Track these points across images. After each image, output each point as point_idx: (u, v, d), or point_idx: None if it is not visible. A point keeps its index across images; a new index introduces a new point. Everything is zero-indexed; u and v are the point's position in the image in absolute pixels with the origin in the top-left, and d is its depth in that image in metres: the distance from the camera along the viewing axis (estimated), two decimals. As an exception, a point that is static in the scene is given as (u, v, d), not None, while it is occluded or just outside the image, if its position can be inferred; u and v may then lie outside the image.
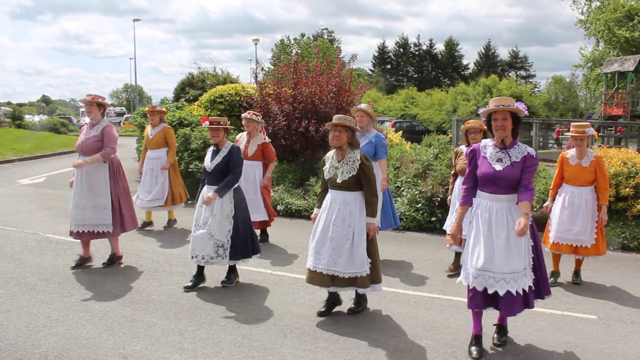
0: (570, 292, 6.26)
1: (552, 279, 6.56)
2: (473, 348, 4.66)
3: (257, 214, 7.87)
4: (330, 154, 5.41)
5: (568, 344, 4.86)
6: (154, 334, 4.94)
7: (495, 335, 4.84)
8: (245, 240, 6.15)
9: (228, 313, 5.47)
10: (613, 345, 4.87)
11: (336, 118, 5.22)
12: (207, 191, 6.12)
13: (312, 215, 5.65)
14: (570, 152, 6.45)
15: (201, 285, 6.26)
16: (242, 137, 8.17)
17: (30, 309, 5.46)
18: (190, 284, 6.20)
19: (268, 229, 8.52)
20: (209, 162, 6.13)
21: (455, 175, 7.01)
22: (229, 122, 6.65)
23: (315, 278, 5.28)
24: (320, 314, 5.45)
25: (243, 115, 8.14)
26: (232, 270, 6.37)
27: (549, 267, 6.75)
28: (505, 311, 4.55)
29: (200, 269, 6.28)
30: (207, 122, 6.14)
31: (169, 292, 6.06)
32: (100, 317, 5.30)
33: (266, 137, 8.24)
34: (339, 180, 5.19)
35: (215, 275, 6.54)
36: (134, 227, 7.15)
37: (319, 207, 5.49)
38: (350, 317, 5.39)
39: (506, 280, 4.44)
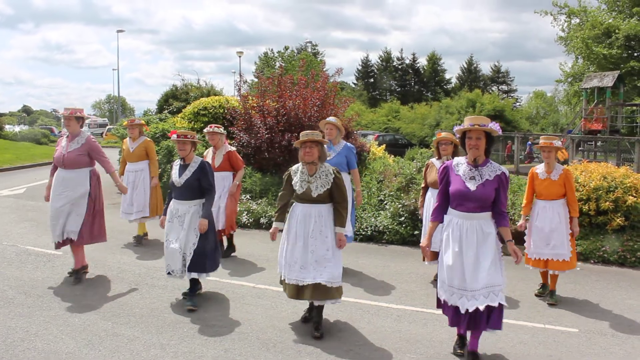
0: (552, 305, 6.30)
1: (540, 289, 6.64)
2: (457, 347, 4.93)
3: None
4: (297, 167, 5.43)
5: (550, 357, 4.89)
6: (135, 348, 4.88)
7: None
8: (206, 255, 6.03)
9: (210, 327, 5.43)
10: (594, 358, 4.91)
11: (304, 135, 5.26)
12: (174, 205, 6.11)
13: (271, 230, 5.49)
14: (540, 168, 6.53)
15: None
16: (208, 153, 8.17)
17: (8, 323, 5.37)
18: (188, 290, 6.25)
19: (245, 243, 8.48)
20: (177, 177, 6.08)
21: (426, 189, 7.07)
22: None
23: (301, 292, 5.28)
24: (305, 320, 5.54)
25: (205, 130, 8.14)
26: (193, 290, 6.17)
27: (533, 278, 6.82)
28: (473, 326, 4.63)
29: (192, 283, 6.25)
30: (175, 136, 6.14)
31: (150, 305, 6.00)
32: (81, 331, 5.23)
33: (231, 146, 8.24)
34: (314, 195, 5.24)
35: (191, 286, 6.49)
36: (101, 240, 7.04)
37: (281, 220, 5.46)
38: (333, 331, 5.37)
39: (476, 297, 4.52)
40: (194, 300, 6.06)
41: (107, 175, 7.07)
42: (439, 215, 4.84)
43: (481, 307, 4.49)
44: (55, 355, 4.72)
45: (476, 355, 4.79)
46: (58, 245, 6.82)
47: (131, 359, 4.68)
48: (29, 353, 4.74)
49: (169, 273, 6.09)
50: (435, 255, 6.35)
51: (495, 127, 4.55)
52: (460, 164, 4.73)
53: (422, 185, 7.19)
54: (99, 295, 6.30)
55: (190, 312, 5.83)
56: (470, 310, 4.51)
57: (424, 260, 7.08)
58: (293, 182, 5.39)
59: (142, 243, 9.01)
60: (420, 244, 5.02)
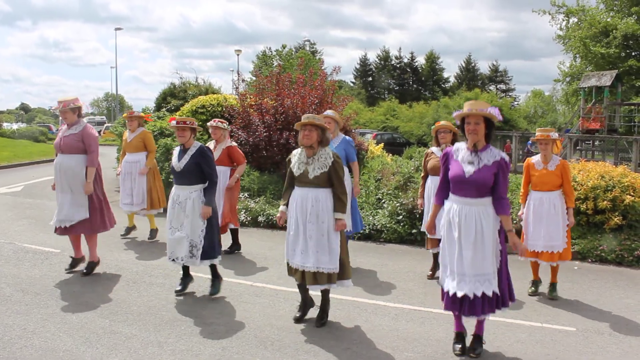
0: (549, 304, 6.31)
1: (532, 287, 6.64)
2: (456, 345, 4.87)
3: None
4: (297, 151, 5.44)
5: (547, 356, 4.90)
6: (133, 346, 4.88)
7: (470, 346, 4.87)
8: (215, 240, 6.17)
9: (208, 325, 5.42)
10: (591, 357, 4.91)
11: (305, 117, 5.27)
12: (176, 191, 6.14)
13: (278, 215, 5.59)
14: (536, 158, 6.53)
15: (190, 286, 6.41)
16: (209, 146, 8.16)
17: (5, 321, 5.36)
18: (179, 287, 6.29)
19: (243, 241, 8.50)
20: (177, 162, 6.11)
21: (426, 177, 7.08)
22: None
23: (301, 275, 5.35)
24: (297, 320, 5.52)
25: (209, 124, 8.14)
26: (216, 276, 6.30)
27: (529, 276, 6.82)
28: (468, 312, 4.66)
29: (186, 270, 6.33)
30: (174, 122, 6.14)
31: (148, 303, 5.99)
32: (78, 329, 5.22)
33: (232, 141, 8.26)
34: (310, 176, 5.23)
35: (195, 285, 6.49)
36: (105, 229, 7.05)
37: (286, 204, 5.53)
38: (331, 330, 5.37)
39: (473, 282, 4.57)
40: (217, 287, 6.25)
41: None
42: (439, 199, 4.92)
43: (478, 293, 4.54)
44: (52, 352, 4.71)
45: (480, 339, 4.84)
46: (58, 231, 6.84)
47: (129, 357, 4.68)
48: (26, 351, 4.73)
49: (173, 260, 6.13)
50: (437, 243, 6.35)
51: (494, 112, 4.53)
52: (460, 149, 4.75)
53: (422, 174, 7.20)
54: (96, 293, 6.29)
55: (202, 300, 6.08)
56: (468, 295, 4.56)
57: (427, 248, 7.09)
58: (291, 165, 5.41)
59: (154, 237, 9.09)
60: (425, 227, 5.09)
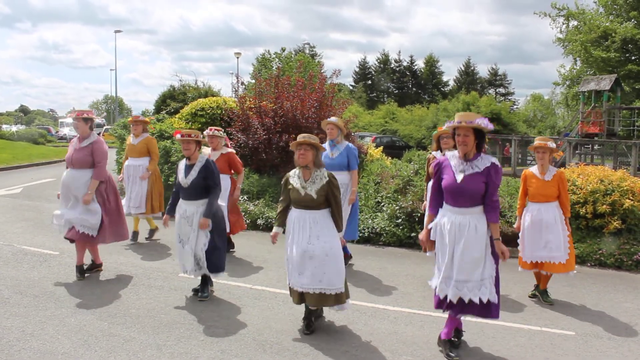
0: (548, 308, 6.30)
1: (534, 291, 6.60)
2: (450, 353, 4.88)
3: None
4: (294, 172, 5.40)
5: (546, 360, 4.90)
6: (132, 349, 4.87)
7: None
8: (221, 253, 6.19)
9: (207, 328, 5.42)
10: (590, 361, 4.92)
11: (301, 137, 5.24)
12: (183, 206, 6.17)
13: (271, 234, 5.47)
14: (533, 169, 6.53)
15: (190, 288, 6.44)
16: (205, 152, 8.17)
17: (4, 323, 5.35)
18: (204, 294, 6.29)
19: (250, 243, 8.48)
20: (183, 178, 6.13)
21: (429, 181, 7.07)
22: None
23: (304, 297, 5.26)
24: (310, 333, 5.32)
25: (205, 132, 8.14)
26: (205, 283, 6.32)
27: (530, 280, 6.82)
28: (457, 312, 4.79)
29: (203, 279, 6.34)
30: (179, 135, 6.16)
31: (147, 305, 5.99)
32: (77, 331, 5.21)
33: (230, 147, 8.27)
34: (309, 198, 5.20)
35: (191, 287, 6.49)
36: (115, 239, 7.11)
37: (280, 225, 5.48)
38: (330, 333, 5.37)
39: (459, 287, 4.65)
40: (205, 292, 6.26)
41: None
42: (434, 209, 4.95)
43: (465, 299, 4.63)
44: (51, 355, 4.70)
45: (459, 332, 5.03)
46: (69, 238, 6.84)
47: (127, 360, 4.68)
48: (25, 353, 4.72)
49: (185, 272, 6.24)
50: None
51: (483, 123, 4.54)
52: (453, 158, 4.80)
53: (425, 178, 7.20)
54: (95, 295, 6.28)
55: (201, 302, 6.13)
56: (452, 300, 4.67)
57: (425, 251, 7.03)
58: (290, 187, 5.37)
59: (153, 236, 9.20)
60: (419, 237, 5.11)
